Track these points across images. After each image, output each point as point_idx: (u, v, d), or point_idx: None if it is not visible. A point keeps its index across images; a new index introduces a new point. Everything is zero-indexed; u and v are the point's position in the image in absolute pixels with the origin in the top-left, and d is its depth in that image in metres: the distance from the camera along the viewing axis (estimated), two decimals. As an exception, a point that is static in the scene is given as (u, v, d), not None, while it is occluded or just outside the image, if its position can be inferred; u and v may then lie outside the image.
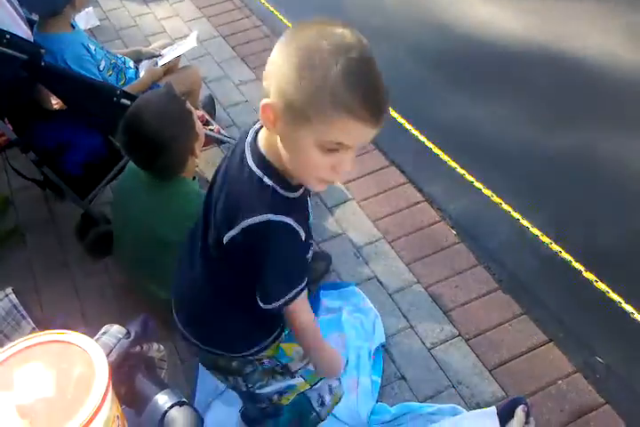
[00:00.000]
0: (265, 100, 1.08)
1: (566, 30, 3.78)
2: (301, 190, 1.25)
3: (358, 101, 1.01)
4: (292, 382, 1.60)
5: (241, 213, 1.18)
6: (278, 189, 1.19)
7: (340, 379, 1.77)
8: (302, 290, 1.31)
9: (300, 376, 1.61)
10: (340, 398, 1.79)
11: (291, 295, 1.29)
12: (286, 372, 1.59)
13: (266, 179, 1.18)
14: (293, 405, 1.68)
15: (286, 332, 1.56)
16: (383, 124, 1.07)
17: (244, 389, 1.62)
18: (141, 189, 2.13)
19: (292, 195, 1.22)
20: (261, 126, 1.24)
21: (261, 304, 1.30)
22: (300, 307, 1.36)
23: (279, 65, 1.05)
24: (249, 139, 1.25)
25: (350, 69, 1.00)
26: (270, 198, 1.18)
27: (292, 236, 1.21)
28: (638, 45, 3.63)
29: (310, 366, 1.61)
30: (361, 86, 1.01)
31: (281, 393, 1.63)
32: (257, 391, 1.61)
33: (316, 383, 1.65)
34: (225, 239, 1.23)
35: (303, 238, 1.24)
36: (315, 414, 1.72)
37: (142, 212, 2.12)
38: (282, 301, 1.29)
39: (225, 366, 1.59)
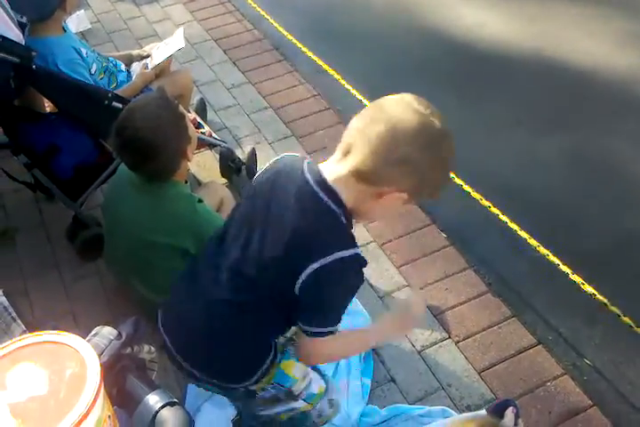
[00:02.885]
0: (399, 195, 1.24)
1: (556, 35, 3.82)
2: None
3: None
4: (294, 405, 1.62)
5: (325, 247, 1.25)
6: (347, 227, 1.30)
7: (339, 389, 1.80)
8: (335, 330, 1.37)
9: (303, 400, 1.62)
10: (339, 408, 1.81)
11: (334, 328, 1.36)
12: (290, 397, 1.61)
13: (342, 218, 1.28)
14: (291, 419, 1.69)
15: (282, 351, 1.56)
16: None
17: (245, 410, 1.66)
18: (132, 191, 2.14)
19: (352, 233, 1.32)
20: (314, 163, 1.34)
21: (301, 325, 1.36)
22: (319, 346, 1.41)
23: (419, 165, 1.21)
24: (312, 178, 1.29)
25: (451, 149, 1.29)
26: (344, 235, 1.29)
27: (361, 265, 1.30)
28: (627, 50, 3.67)
29: (312, 388, 1.62)
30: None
31: (280, 413, 1.65)
32: (259, 413, 1.64)
33: (318, 403, 1.67)
34: (302, 278, 1.26)
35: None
36: (312, 422, 1.74)
37: (132, 214, 2.13)
38: (328, 329, 1.36)
39: (230, 395, 1.65)
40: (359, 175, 1.23)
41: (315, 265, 1.24)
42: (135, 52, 3.09)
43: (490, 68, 3.63)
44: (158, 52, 2.95)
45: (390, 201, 1.25)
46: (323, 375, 1.70)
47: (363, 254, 1.29)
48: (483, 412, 2.00)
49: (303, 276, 1.26)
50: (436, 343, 2.34)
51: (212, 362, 1.52)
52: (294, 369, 1.57)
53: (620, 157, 3.09)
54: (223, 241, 1.45)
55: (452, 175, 2.85)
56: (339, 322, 1.36)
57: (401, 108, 1.21)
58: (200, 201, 2.07)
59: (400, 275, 2.57)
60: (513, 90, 3.49)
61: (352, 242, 1.29)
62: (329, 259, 1.23)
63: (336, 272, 1.25)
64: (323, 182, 1.27)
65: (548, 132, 3.23)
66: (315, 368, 1.67)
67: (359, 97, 3.28)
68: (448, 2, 4.17)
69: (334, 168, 1.28)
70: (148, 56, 2.98)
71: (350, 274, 1.30)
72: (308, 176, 1.30)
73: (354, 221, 1.35)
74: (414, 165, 1.19)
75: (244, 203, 1.47)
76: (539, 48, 3.72)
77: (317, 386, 1.65)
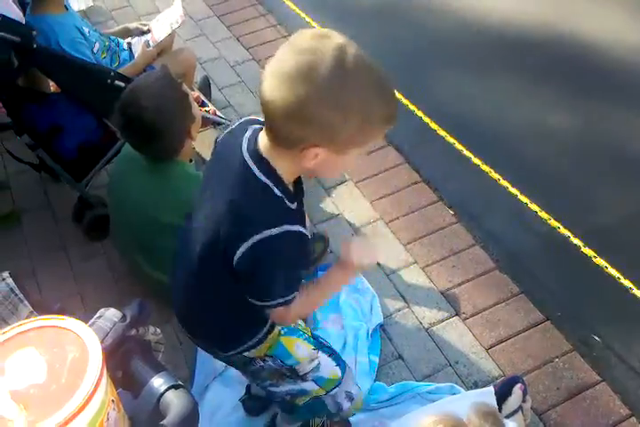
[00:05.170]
0: (315, 150, 1.11)
1: (568, 8, 3.74)
2: (296, 203, 1.26)
3: (390, 110, 1.13)
4: (304, 386, 1.58)
5: (253, 226, 1.17)
6: (286, 200, 1.21)
7: (358, 384, 1.76)
8: (293, 298, 1.31)
9: (312, 381, 1.58)
10: (361, 405, 1.78)
11: (288, 298, 1.29)
12: (294, 375, 1.56)
13: (276, 190, 1.18)
14: (308, 406, 1.66)
15: (285, 328, 1.53)
16: None
17: (256, 384, 1.62)
18: (137, 172, 2.13)
19: (293, 206, 1.24)
20: (259, 129, 1.23)
21: (255, 301, 1.30)
22: (283, 311, 1.35)
23: (314, 109, 1.05)
24: (246, 146, 1.21)
25: (373, 91, 1.09)
26: (282, 209, 1.20)
27: (304, 242, 1.25)
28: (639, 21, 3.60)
29: (322, 373, 1.58)
30: (387, 97, 1.12)
31: (292, 395, 1.61)
32: (268, 389, 1.61)
33: (332, 390, 1.63)
34: (236, 257, 1.20)
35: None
36: (331, 415, 1.72)
37: (138, 194, 2.12)
38: (277, 301, 1.29)
39: (231, 361, 1.59)
40: (273, 140, 1.16)
41: (245, 245, 1.17)
42: (132, 25, 3.04)
43: (501, 43, 3.56)
44: (158, 25, 2.90)
45: (322, 158, 1.13)
46: (339, 363, 1.64)
47: (299, 230, 1.21)
48: (490, 388, 2.01)
49: (238, 254, 1.19)
50: (443, 320, 2.34)
51: (198, 329, 1.54)
52: (297, 348, 1.53)
53: (631, 130, 3.04)
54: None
55: (461, 148, 2.82)
56: (290, 293, 1.30)
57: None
58: (205, 180, 2.06)
59: (407, 252, 2.56)
60: (524, 64, 3.42)
61: (284, 218, 1.19)
62: (258, 238, 1.16)
63: (268, 250, 1.18)
64: (254, 151, 1.19)
65: (560, 106, 3.18)
66: (331, 355, 1.63)
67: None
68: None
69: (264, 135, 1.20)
70: (147, 31, 2.94)
71: (285, 249, 1.21)
72: (244, 144, 1.22)
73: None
74: (305, 115, 1.06)
75: (207, 164, 1.42)
76: (552, 22, 3.63)
77: (329, 371, 1.60)
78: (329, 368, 1.60)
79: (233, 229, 1.20)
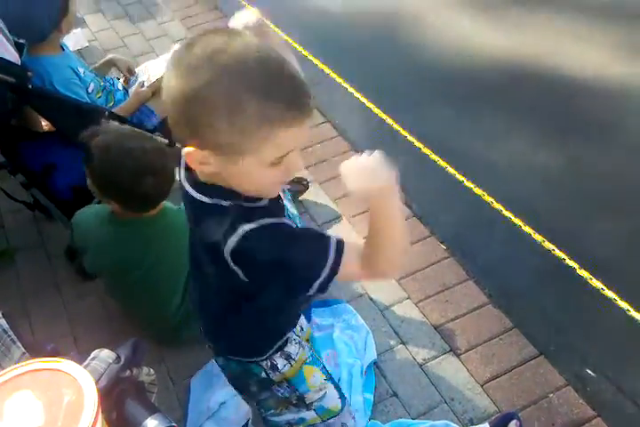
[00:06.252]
0: (186, 150, 1.03)
1: (552, 45, 3.82)
2: (266, 200, 1.16)
3: (283, 109, 0.96)
4: (304, 415, 1.57)
5: (218, 244, 1.06)
6: (242, 203, 1.10)
7: (355, 418, 1.73)
8: (337, 256, 1.08)
9: (314, 410, 1.57)
10: None
11: (325, 275, 1.09)
12: (301, 403, 1.55)
13: (223, 202, 1.09)
14: None
15: (310, 355, 1.54)
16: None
17: (258, 412, 1.62)
18: (149, 231, 2.12)
19: (260, 204, 1.14)
20: None
21: (307, 290, 1.13)
22: (346, 271, 1.10)
23: (183, 108, 0.99)
24: (182, 172, 1.18)
25: (255, 84, 0.95)
26: (237, 213, 1.08)
27: (282, 229, 1.11)
28: (625, 60, 3.67)
29: (324, 402, 1.58)
30: (278, 92, 0.96)
31: (291, 424, 1.60)
32: (269, 418, 1.60)
33: (329, 419, 1.62)
34: (235, 268, 1.11)
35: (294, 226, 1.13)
36: None
37: (175, 251, 2.08)
38: (316, 284, 1.10)
39: (244, 387, 1.58)
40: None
41: (227, 248, 1.06)
42: (117, 56, 3.06)
43: (489, 79, 3.62)
44: (154, 66, 2.95)
45: (216, 166, 1.04)
46: (342, 396, 1.64)
47: (282, 221, 1.11)
48: (486, 425, 2.00)
49: (229, 260, 1.08)
50: (437, 356, 2.33)
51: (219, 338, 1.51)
52: (312, 378, 1.54)
53: (622, 159, 3.07)
54: None
55: (453, 172, 2.85)
56: (320, 269, 1.08)
57: None
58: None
59: (400, 288, 2.56)
60: (513, 95, 3.48)
61: (255, 214, 1.08)
62: (234, 239, 1.05)
63: (252, 247, 1.06)
64: (192, 179, 1.14)
65: (544, 141, 3.23)
66: (336, 387, 1.64)
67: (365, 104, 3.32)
68: (432, 12, 4.17)
69: None
70: (134, 73, 2.97)
71: (276, 239, 1.08)
72: (182, 171, 1.17)
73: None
74: (177, 108, 1.00)
75: None
76: (538, 58, 3.70)
77: (333, 403, 1.61)
78: (333, 400, 1.61)
79: (211, 257, 1.15)
